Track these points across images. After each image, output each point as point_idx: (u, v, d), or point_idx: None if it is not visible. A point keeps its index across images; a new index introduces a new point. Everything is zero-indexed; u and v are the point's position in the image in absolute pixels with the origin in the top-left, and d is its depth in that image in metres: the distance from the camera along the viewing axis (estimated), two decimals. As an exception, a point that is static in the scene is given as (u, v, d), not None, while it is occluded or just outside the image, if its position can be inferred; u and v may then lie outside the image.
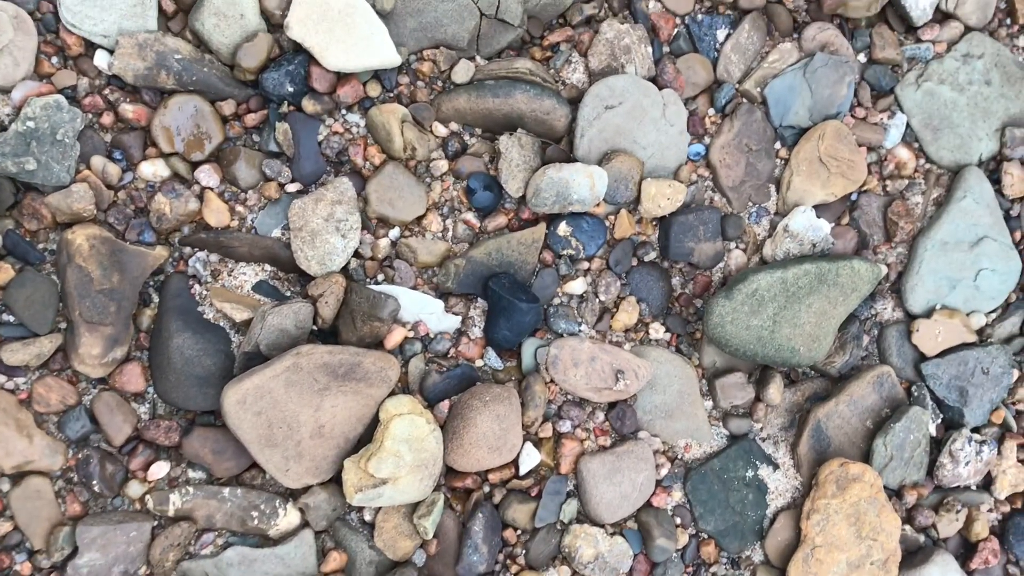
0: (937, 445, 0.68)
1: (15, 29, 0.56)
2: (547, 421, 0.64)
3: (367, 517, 0.62)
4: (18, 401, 0.58)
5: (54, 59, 0.58)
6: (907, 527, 0.68)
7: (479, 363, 0.63)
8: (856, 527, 0.64)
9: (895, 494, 0.67)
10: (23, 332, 0.58)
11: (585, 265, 0.64)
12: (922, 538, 0.68)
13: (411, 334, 0.62)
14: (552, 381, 0.63)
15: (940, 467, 0.67)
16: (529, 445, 0.63)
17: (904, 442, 0.66)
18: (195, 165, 0.60)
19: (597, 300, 0.65)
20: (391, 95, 0.62)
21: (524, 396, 0.62)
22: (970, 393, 0.68)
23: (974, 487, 0.69)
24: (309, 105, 0.60)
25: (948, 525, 0.68)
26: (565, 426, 0.64)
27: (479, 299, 0.63)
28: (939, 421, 0.68)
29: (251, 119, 0.60)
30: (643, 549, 0.65)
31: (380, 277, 0.62)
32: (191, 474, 0.60)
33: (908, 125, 0.68)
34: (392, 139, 0.61)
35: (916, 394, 0.68)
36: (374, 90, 0.61)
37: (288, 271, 0.61)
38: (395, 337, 0.61)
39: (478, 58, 0.63)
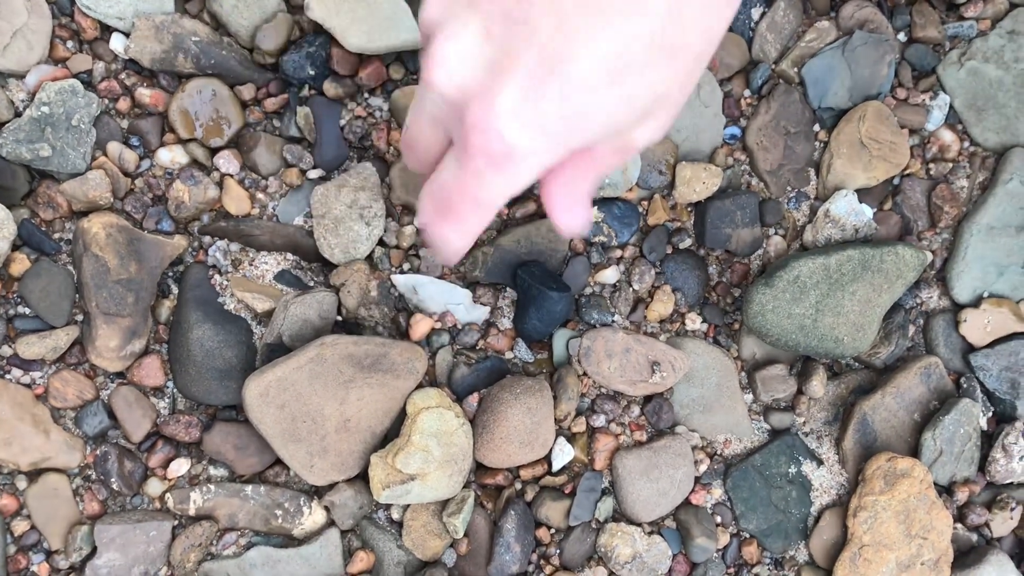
0: (988, 439, 0.65)
1: (29, 12, 0.55)
2: (580, 415, 0.61)
3: (395, 516, 0.60)
4: (34, 396, 0.56)
5: (69, 43, 0.56)
6: (959, 525, 0.65)
7: (509, 355, 0.61)
8: (905, 525, 0.61)
9: (945, 491, 0.64)
10: (39, 324, 0.56)
11: (618, 253, 0.62)
12: (975, 537, 0.65)
13: (438, 324, 0.60)
14: (585, 374, 0.61)
15: (992, 462, 0.64)
16: (562, 440, 0.60)
17: (954, 436, 0.63)
18: (214, 151, 0.58)
19: (631, 289, 0.62)
20: (414, 77, 0.60)
21: (556, 389, 0.60)
22: (1022, 385, 0.65)
23: (1028, 483, 0.66)
24: (331, 88, 0.58)
25: (1002, 523, 0.65)
26: (599, 420, 0.61)
27: (507, 288, 0.61)
28: (990, 414, 0.65)
29: (271, 103, 0.58)
30: (682, 549, 0.62)
31: (405, 266, 0.60)
32: (212, 471, 0.58)
33: (951, 106, 0.65)
34: (417, 123, 0.58)
35: (965, 386, 0.65)
36: (397, 73, 0.59)
37: (311, 260, 0.59)
38: (421, 328, 0.58)
39: (505, 39, 0.61)
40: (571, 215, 0.41)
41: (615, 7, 0.33)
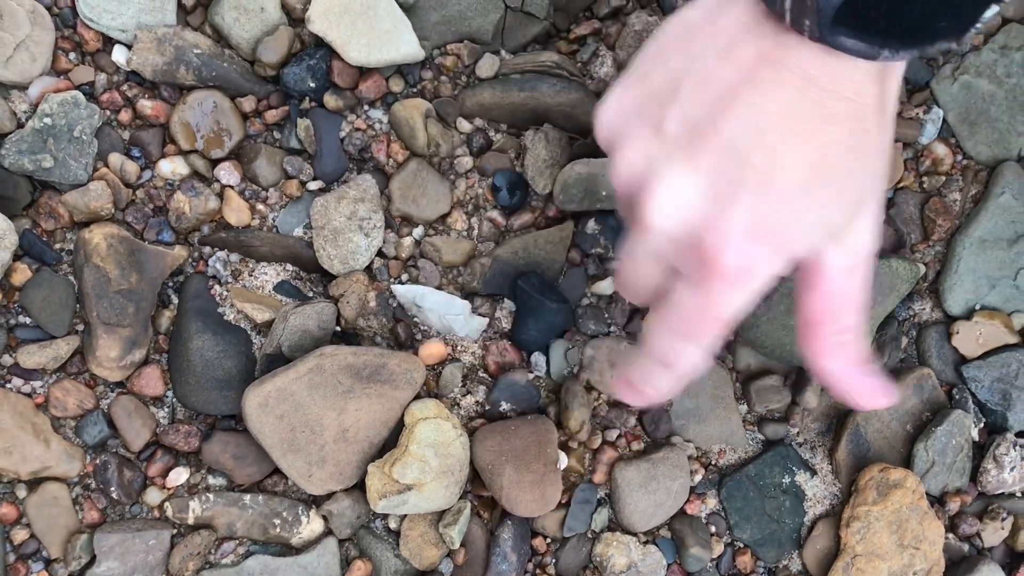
0: (980, 450, 0.66)
1: (32, 24, 0.55)
2: (593, 432, 0.62)
3: (392, 525, 0.60)
4: (35, 405, 0.56)
5: (72, 55, 0.57)
6: (951, 535, 0.65)
7: (521, 375, 0.61)
8: (898, 535, 0.62)
9: (937, 501, 0.65)
10: (40, 334, 0.56)
11: (614, 264, 0.62)
12: (966, 547, 0.66)
13: (450, 351, 0.60)
14: (590, 386, 0.61)
15: (984, 473, 0.65)
16: (560, 452, 0.61)
17: (946, 447, 0.63)
18: (215, 163, 0.58)
19: (627, 300, 0.63)
20: (414, 90, 0.60)
21: (567, 399, 0.60)
22: (1013, 396, 0.65)
23: (1019, 494, 0.66)
24: (331, 101, 0.58)
25: (993, 534, 0.65)
26: (612, 434, 0.62)
27: (505, 299, 0.62)
28: (982, 425, 0.66)
29: (272, 115, 0.59)
30: (677, 558, 0.63)
31: (404, 277, 0.60)
32: (211, 480, 0.59)
33: (944, 120, 0.66)
34: (415, 135, 0.59)
35: (957, 397, 0.65)
36: (397, 85, 0.60)
37: (310, 271, 0.60)
38: (433, 353, 0.59)
39: (503, 52, 0.62)
40: (862, 378, 0.45)
41: (809, 123, 0.38)
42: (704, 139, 0.39)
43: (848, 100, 0.38)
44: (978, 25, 0.36)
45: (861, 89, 0.38)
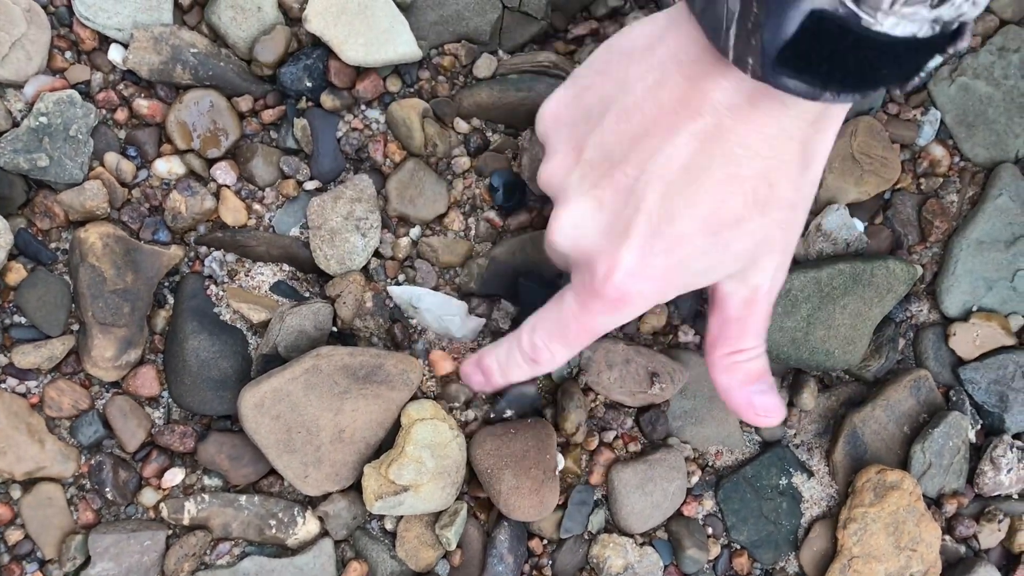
0: (977, 452, 0.66)
1: (28, 22, 0.55)
2: (591, 433, 0.62)
3: (388, 526, 0.60)
4: (29, 405, 0.56)
5: (67, 54, 0.57)
6: (947, 537, 0.65)
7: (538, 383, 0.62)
8: (895, 537, 0.62)
9: (934, 503, 0.65)
10: (35, 334, 0.56)
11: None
12: (963, 549, 0.66)
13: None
14: (587, 386, 0.61)
15: (981, 474, 0.65)
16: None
17: (943, 448, 0.63)
18: (211, 162, 0.58)
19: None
20: (411, 90, 0.60)
21: (563, 401, 0.60)
22: (1010, 398, 0.65)
23: (1016, 496, 0.66)
24: (328, 100, 0.58)
25: (990, 535, 0.65)
26: (609, 436, 0.62)
27: (503, 300, 0.61)
28: (979, 427, 0.66)
29: (268, 115, 0.58)
30: (673, 560, 0.63)
31: (401, 277, 0.60)
32: (207, 481, 0.58)
33: (942, 121, 0.66)
34: (412, 135, 0.59)
35: (954, 399, 0.65)
36: (394, 85, 0.60)
37: (307, 271, 0.59)
38: (442, 366, 0.60)
39: (500, 52, 0.62)
40: (749, 396, 0.51)
41: (713, 178, 0.40)
42: (612, 174, 0.42)
43: (761, 159, 0.40)
44: (922, 74, 0.37)
45: (777, 147, 0.40)
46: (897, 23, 0.33)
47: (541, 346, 0.49)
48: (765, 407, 0.50)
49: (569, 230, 0.44)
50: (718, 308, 0.48)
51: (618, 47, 0.45)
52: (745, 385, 0.50)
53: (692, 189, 0.40)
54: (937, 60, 0.37)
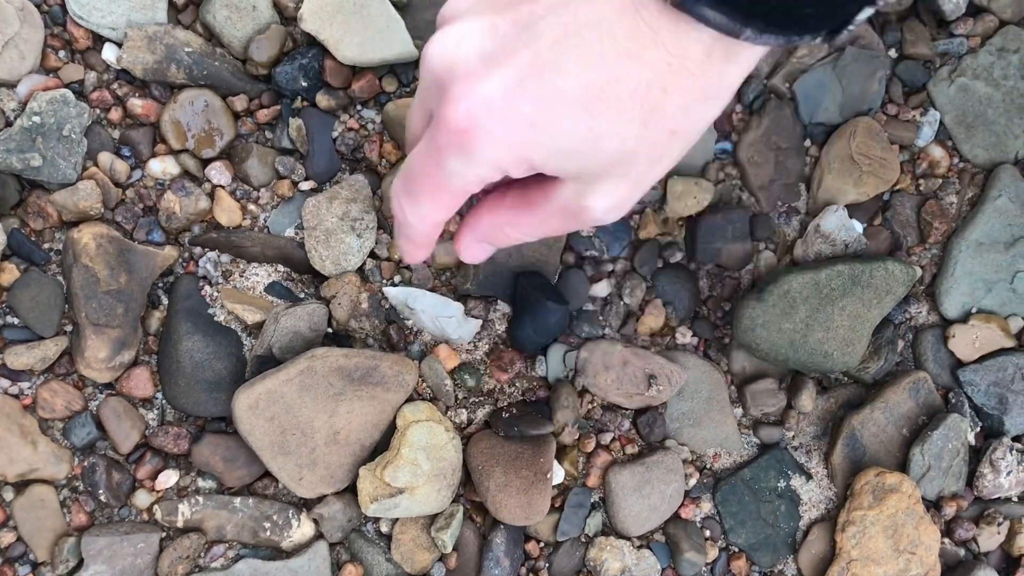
0: (976, 455, 0.66)
1: (21, 21, 0.54)
2: (588, 434, 0.61)
3: (384, 529, 0.60)
4: (22, 406, 0.56)
5: (61, 53, 0.56)
6: (946, 540, 0.65)
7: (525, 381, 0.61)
8: (893, 540, 0.61)
9: (933, 505, 0.65)
10: (28, 335, 0.56)
11: (609, 267, 0.62)
12: (962, 552, 0.65)
13: (466, 356, 0.60)
14: (584, 388, 0.61)
15: (980, 477, 0.64)
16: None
17: (942, 451, 0.63)
18: (206, 162, 0.58)
19: (622, 303, 0.62)
20: (408, 90, 0.60)
21: (553, 402, 0.60)
22: (1010, 400, 0.65)
23: (1015, 499, 0.66)
24: (323, 100, 0.58)
25: (989, 538, 0.65)
26: (606, 438, 0.61)
27: (499, 301, 0.61)
28: (978, 429, 0.66)
29: (263, 115, 0.58)
30: (671, 563, 0.62)
31: (397, 278, 0.60)
32: (201, 483, 0.58)
33: (941, 122, 0.66)
34: (409, 135, 0.58)
35: (954, 401, 0.65)
36: (390, 85, 0.59)
37: (302, 272, 0.59)
38: (449, 361, 0.59)
39: (498, 52, 0.61)
40: (474, 250, 0.45)
41: (617, 45, 0.35)
42: (517, 6, 0.37)
43: (666, 53, 0.36)
44: (851, 26, 0.34)
45: (686, 52, 0.36)
46: None
47: (395, 205, 0.43)
48: (474, 256, 0.45)
49: (451, 44, 0.38)
50: (533, 191, 0.42)
51: None
52: (484, 240, 0.45)
53: (591, 50, 0.36)
54: (867, 12, 0.34)
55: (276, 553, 0.58)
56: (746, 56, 0.36)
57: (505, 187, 0.43)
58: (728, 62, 0.36)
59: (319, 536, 0.59)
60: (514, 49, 0.36)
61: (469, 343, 0.61)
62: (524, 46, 0.36)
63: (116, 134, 0.57)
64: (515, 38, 0.36)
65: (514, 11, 0.37)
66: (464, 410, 0.60)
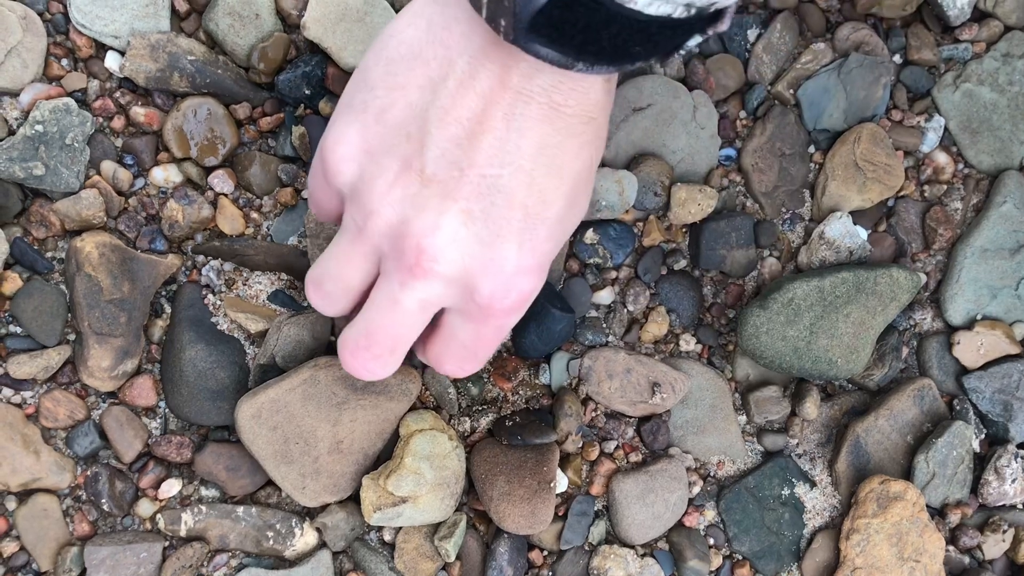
0: (981, 462, 0.65)
1: (24, 30, 0.54)
2: (591, 442, 0.61)
3: (387, 537, 0.60)
4: (25, 416, 0.56)
5: (64, 61, 0.56)
6: (951, 548, 0.65)
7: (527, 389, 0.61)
8: (898, 548, 0.61)
9: (938, 513, 0.64)
10: (30, 344, 0.56)
11: (612, 274, 0.62)
12: (967, 559, 0.65)
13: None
14: (588, 397, 0.61)
15: (985, 484, 0.64)
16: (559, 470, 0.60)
17: (947, 458, 0.63)
18: (208, 170, 0.58)
19: (625, 310, 0.62)
20: (411, 98, 0.60)
21: (556, 410, 0.60)
22: (1015, 407, 0.65)
23: (1020, 506, 0.66)
24: (326, 108, 0.58)
25: (994, 546, 0.65)
26: (610, 446, 0.61)
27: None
28: (983, 436, 0.65)
29: (266, 123, 0.58)
30: (675, 571, 0.62)
31: (400, 286, 0.60)
32: (204, 492, 0.58)
33: (946, 128, 0.65)
34: (412, 143, 0.58)
35: (958, 408, 0.65)
36: (394, 93, 0.59)
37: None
38: None
39: (501, 59, 0.61)
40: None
41: (564, 154, 0.39)
42: (466, 179, 0.39)
43: (592, 121, 0.39)
44: (682, 52, 0.37)
45: (600, 107, 0.39)
46: (651, 3, 0.33)
47: (458, 371, 0.48)
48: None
49: (452, 253, 0.40)
50: None
51: (395, 52, 0.40)
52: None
53: (555, 170, 0.40)
54: (697, 39, 0.36)
55: (279, 562, 0.58)
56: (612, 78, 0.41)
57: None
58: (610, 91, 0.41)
59: (322, 545, 0.59)
60: (500, 218, 0.41)
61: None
62: (506, 210, 0.41)
63: (119, 143, 0.57)
64: (491, 207, 0.41)
65: (470, 188, 0.41)
66: (467, 419, 0.60)
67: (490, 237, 0.40)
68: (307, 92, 0.57)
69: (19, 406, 0.56)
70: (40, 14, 0.55)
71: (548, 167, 0.39)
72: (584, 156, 0.40)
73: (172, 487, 0.57)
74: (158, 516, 0.56)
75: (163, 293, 0.58)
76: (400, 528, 0.59)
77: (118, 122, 0.56)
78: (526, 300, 0.43)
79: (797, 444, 0.65)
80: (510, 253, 0.40)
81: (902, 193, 0.65)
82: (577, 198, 0.42)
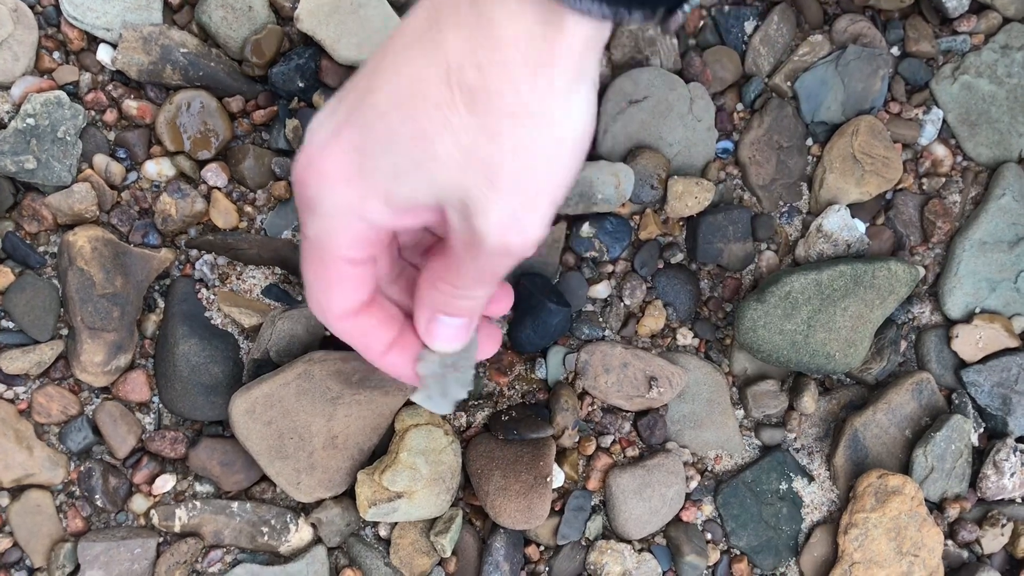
0: (980, 456, 0.65)
1: (15, 23, 0.54)
2: (588, 437, 0.61)
3: (383, 533, 0.59)
4: (17, 411, 0.55)
5: (55, 54, 0.56)
6: (949, 542, 0.64)
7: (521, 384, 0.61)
8: (896, 542, 0.61)
9: (936, 507, 0.64)
10: (23, 339, 0.55)
11: (609, 268, 0.62)
12: (965, 554, 0.65)
13: None
14: (584, 392, 0.60)
15: (983, 479, 0.64)
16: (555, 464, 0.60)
17: (945, 452, 0.63)
18: (202, 164, 0.57)
19: (622, 304, 0.62)
20: (406, 90, 0.59)
21: (552, 404, 0.59)
22: (1014, 401, 0.64)
23: (1019, 500, 0.66)
24: (320, 101, 0.57)
25: (993, 540, 0.64)
26: (607, 440, 0.61)
27: (498, 303, 0.60)
28: (981, 430, 0.65)
29: (260, 116, 0.57)
30: (672, 566, 0.62)
31: (395, 280, 0.59)
32: (198, 488, 0.58)
33: (944, 120, 0.65)
34: (407, 136, 0.58)
35: (957, 402, 0.64)
36: (388, 85, 0.59)
37: (299, 274, 0.59)
38: None
39: (496, 52, 0.61)
40: (435, 328, 0.44)
41: (417, 46, 0.35)
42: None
43: (466, 37, 0.34)
44: (687, 6, 0.34)
45: (488, 28, 0.34)
46: None
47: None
48: (441, 336, 0.44)
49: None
50: (446, 240, 0.40)
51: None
52: (437, 312, 0.43)
53: (397, 58, 0.35)
54: None
55: (274, 558, 0.58)
56: (572, 27, 0.34)
57: (440, 253, 0.42)
58: (551, 31, 0.33)
59: (317, 540, 0.58)
60: (339, 96, 0.37)
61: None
62: (347, 89, 0.37)
63: (111, 136, 0.57)
64: (343, 98, 0.37)
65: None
66: (463, 413, 0.60)
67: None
68: (301, 85, 0.57)
69: (12, 401, 0.55)
70: (31, 6, 0.55)
71: (395, 52, 0.36)
72: (435, 59, 0.35)
73: (166, 483, 0.57)
74: (152, 512, 0.56)
75: (156, 287, 0.57)
76: (396, 523, 0.59)
77: (110, 115, 0.56)
78: (312, 182, 0.38)
79: (795, 438, 0.64)
80: (318, 124, 0.38)
81: (900, 186, 0.65)
82: (417, 118, 0.36)
